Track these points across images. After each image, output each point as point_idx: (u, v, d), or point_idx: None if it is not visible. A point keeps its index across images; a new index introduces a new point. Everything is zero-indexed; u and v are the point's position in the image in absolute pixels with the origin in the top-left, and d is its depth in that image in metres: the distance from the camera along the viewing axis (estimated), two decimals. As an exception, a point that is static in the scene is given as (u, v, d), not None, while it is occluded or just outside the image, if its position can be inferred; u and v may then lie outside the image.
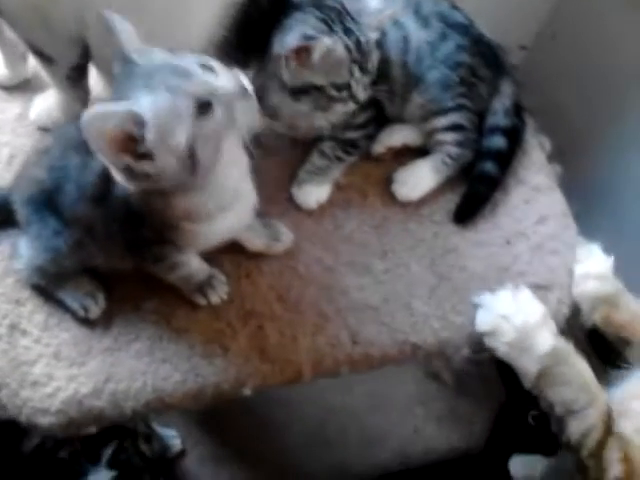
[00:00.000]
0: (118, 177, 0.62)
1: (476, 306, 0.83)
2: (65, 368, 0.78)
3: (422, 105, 0.91)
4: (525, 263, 0.87)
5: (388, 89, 0.89)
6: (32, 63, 0.98)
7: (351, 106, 0.84)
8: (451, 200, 0.91)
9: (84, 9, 0.77)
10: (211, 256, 0.81)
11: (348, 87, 0.81)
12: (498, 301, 0.81)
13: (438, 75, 0.89)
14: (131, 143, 0.58)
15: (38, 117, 0.94)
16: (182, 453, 1.27)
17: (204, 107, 0.59)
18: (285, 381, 0.79)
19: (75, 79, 0.89)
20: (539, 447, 1.15)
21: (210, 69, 0.62)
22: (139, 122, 0.57)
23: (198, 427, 1.31)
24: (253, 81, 0.86)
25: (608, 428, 0.72)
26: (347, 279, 0.85)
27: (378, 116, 0.92)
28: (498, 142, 0.91)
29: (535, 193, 0.93)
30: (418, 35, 0.89)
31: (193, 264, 0.78)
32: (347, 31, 0.80)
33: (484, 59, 0.92)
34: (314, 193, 0.90)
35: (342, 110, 0.85)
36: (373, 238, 0.88)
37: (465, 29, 0.91)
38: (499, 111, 0.92)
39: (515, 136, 0.93)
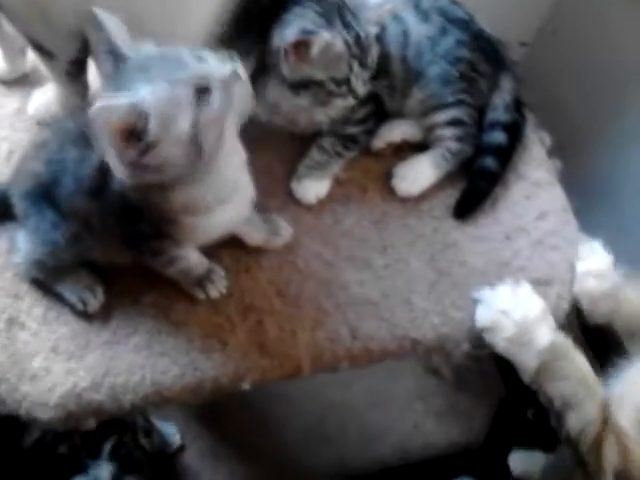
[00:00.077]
0: (122, 172, 0.61)
1: (476, 301, 0.83)
2: (64, 362, 0.78)
3: (422, 100, 0.90)
4: (525, 258, 0.87)
5: (388, 84, 0.89)
6: (31, 57, 0.97)
7: (350, 101, 0.84)
8: (451, 195, 0.91)
9: (83, 3, 0.77)
10: (210, 250, 0.80)
11: (347, 82, 0.81)
12: (498, 296, 0.81)
13: (438, 70, 0.88)
14: (135, 135, 0.58)
15: (37, 111, 0.93)
16: (181, 448, 1.27)
17: (203, 93, 0.60)
18: (284, 376, 0.79)
19: (74, 74, 0.89)
20: (538, 442, 1.15)
21: (200, 57, 0.62)
22: (141, 114, 0.57)
23: (197, 422, 1.31)
24: (253, 76, 0.87)
25: (606, 422, 0.72)
26: (346, 274, 0.85)
27: (378, 111, 0.92)
28: (498, 137, 0.91)
29: (535, 188, 0.93)
30: (418, 30, 0.89)
31: (192, 258, 0.77)
32: (346, 26, 0.80)
33: (484, 54, 0.92)
34: (313, 188, 0.90)
35: (341, 105, 0.85)
36: (373, 233, 0.88)
37: (465, 24, 0.91)
38: (499, 106, 0.92)
39: (515, 131, 0.93)
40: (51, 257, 0.77)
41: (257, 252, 0.85)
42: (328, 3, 0.81)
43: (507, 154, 0.92)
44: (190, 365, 0.78)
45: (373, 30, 0.82)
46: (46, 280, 0.81)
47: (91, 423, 1.06)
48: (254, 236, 0.84)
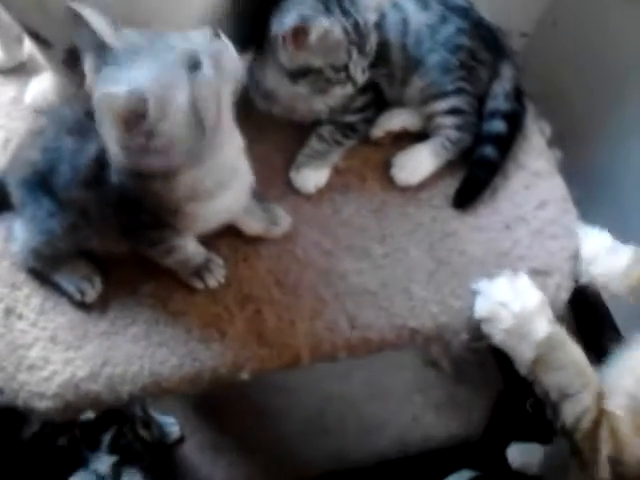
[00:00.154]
0: (130, 161, 0.61)
1: (475, 292, 0.82)
2: (62, 352, 0.78)
3: (422, 89, 0.90)
4: (525, 248, 0.87)
5: (387, 72, 0.89)
6: (28, 46, 0.97)
7: (349, 89, 0.84)
8: (450, 185, 0.90)
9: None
10: (208, 240, 0.80)
11: (346, 69, 0.81)
12: (496, 288, 0.81)
13: (438, 58, 0.88)
14: (138, 120, 0.58)
15: (33, 100, 0.93)
16: (180, 440, 1.27)
17: (194, 67, 0.60)
18: (283, 365, 0.79)
19: (71, 62, 0.88)
20: (537, 434, 1.15)
21: (185, 37, 0.62)
22: (141, 98, 0.57)
23: (196, 414, 1.31)
24: (252, 65, 0.86)
25: (601, 410, 0.72)
26: (345, 263, 0.84)
27: (377, 100, 0.92)
28: (498, 126, 0.90)
29: (535, 178, 0.92)
30: (418, 18, 0.88)
31: (190, 248, 0.77)
32: (345, 12, 0.79)
33: (484, 42, 0.91)
34: (312, 177, 0.89)
35: (340, 93, 0.84)
36: (372, 222, 0.88)
37: (465, 12, 0.91)
38: (499, 95, 0.92)
39: (515, 120, 0.92)
40: (48, 246, 0.76)
41: (256, 241, 0.85)
42: (326, -9, 0.81)
43: (507, 143, 0.91)
44: (188, 355, 0.78)
45: (372, 17, 0.82)
46: (43, 270, 0.81)
47: (89, 414, 1.07)
48: (253, 225, 0.83)
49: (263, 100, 0.90)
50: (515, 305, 0.78)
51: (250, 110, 0.90)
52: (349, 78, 0.82)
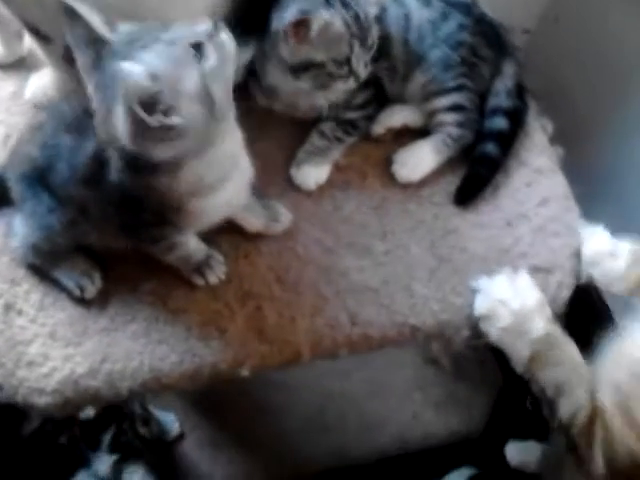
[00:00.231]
0: (149, 147, 0.61)
1: (475, 289, 0.82)
2: (61, 348, 0.78)
3: (423, 85, 0.90)
4: (526, 245, 0.87)
5: (389, 67, 0.88)
6: (27, 41, 0.96)
7: (352, 83, 0.83)
8: (452, 182, 0.90)
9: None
10: (209, 237, 0.80)
11: (348, 63, 0.80)
12: (495, 285, 0.80)
13: (439, 54, 0.88)
14: (156, 101, 0.58)
15: (33, 95, 0.93)
16: (180, 437, 1.27)
17: (197, 48, 0.60)
18: (283, 362, 0.79)
19: (71, 58, 0.87)
20: (536, 432, 1.15)
21: (178, 25, 0.62)
22: (157, 78, 0.57)
23: (196, 412, 1.31)
24: (253, 61, 0.86)
25: (594, 405, 0.72)
26: (346, 260, 0.84)
27: (378, 96, 0.91)
28: (500, 123, 0.90)
29: (537, 175, 0.92)
30: (420, 13, 0.88)
31: (191, 244, 0.77)
32: (345, 5, 0.79)
33: (486, 39, 0.91)
34: (313, 174, 0.89)
35: (343, 88, 0.84)
36: (373, 219, 0.87)
37: (467, 8, 0.91)
38: (501, 92, 0.91)
39: (517, 117, 0.92)
40: (47, 241, 0.76)
41: (256, 238, 0.84)
42: (326, -16, 0.80)
43: (508, 140, 0.91)
44: (189, 352, 0.78)
45: (373, 10, 0.81)
46: (43, 265, 0.80)
47: (89, 410, 1.06)
48: (253, 222, 0.83)
49: (264, 96, 0.89)
50: (514, 303, 0.78)
51: (251, 106, 0.90)
52: (351, 72, 0.82)
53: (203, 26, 0.62)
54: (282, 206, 0.85)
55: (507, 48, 0.93)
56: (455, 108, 0.89)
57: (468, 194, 0.89)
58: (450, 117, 0.89)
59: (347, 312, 0.81)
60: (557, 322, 0.79)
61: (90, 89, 0.63)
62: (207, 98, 0.60)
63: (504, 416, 1.30)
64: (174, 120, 0.59)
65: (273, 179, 0.89)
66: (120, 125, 0.59)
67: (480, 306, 0.80)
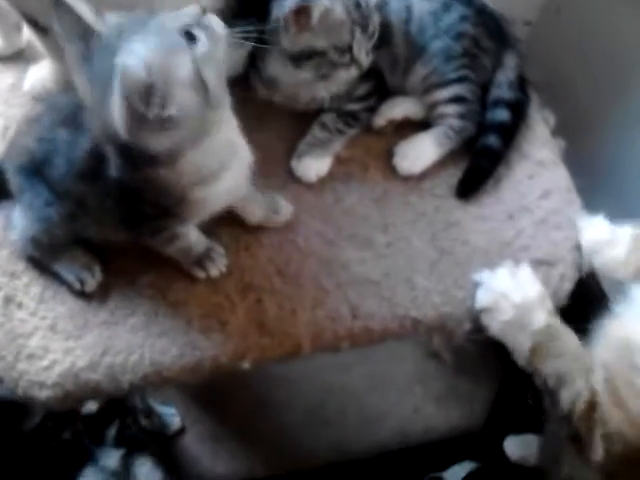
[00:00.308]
0: (148, 138, 0.60)
1: (476, 283, 0.82)
2: (61, 341, 0.78)
3: (424, 77, 0.89)
4: (528, 238, 0.86)
5: (390, 58, 0.88)
6: (26, 33, 0.96)
7: (354, 72, 0.83)
8: (453, 174, 0.90)
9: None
10: (210, 229, 0.80)
11: (350, 50, 0.80)
12: (497, 279, 0.80)
13: (441, 45, 0.87)
14: (151, 91, 0.57)
15: (32, 87, 0.92)
16: (181, 431, 1.26)
17: (191, 39, 0.60)
18: (284, 354, 0.78)
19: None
20: (538, 426, 1.15)
21: (172, 14, 0.62)
22: (148, 71, 0.56)
23: (197, 406, 1.31)
24: (253, 53, 0.86)
25: (592, 390, 0.72)
26: (347, 253, 0.84)
27: (379, 88, 0.91)
28: (502, 115, 0.90)
29: (539, 168, 0.92)
30: (421, 5, 0.88)
31: (192, 236, 0.77)
32: None
33: (487, 30, 0.90)
34: (314, 166, 0.88)
35: (345, 77, 0.83)
36: (374, 212, 0.87)
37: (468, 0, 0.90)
38: (503, 84, 0.91)
39: (519, 110, 0.92)
40: (46, 234, 0.76)
41: (257, 230, 0.84)
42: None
43: (510, 132, 0.91)
44: (189, 345, 0.78)
45: (373, -2, 0.81)
46: (43, 258, 0.80)
47: (91, 405, 1.06)
48: (255, 213, 0.83)
49: (265, 88, 0.89)
50: (516, 296, 0.78)
51: (251, 98, 0.89)
52: (353, 60, 0.81)
53: (191, 10, 0.61)
54: (282, 198, 0.85)
55: (509, 39, 0.93)
56: (456, 100, 0.89)
57: (470, 186, 0.89)
58: (451, 109, 0.89)
59: (348, 305, 0.81)
60: (557, 313, 0.79)
61: (78, 81, 0.63)
62: (201, 84, 0.60)
63: (504, 410, 1.30)
64: (170, 110, 0.58)
65: (274, 171, 0.88)
66: (115, 116, 0.59)
67: (482, 299, 0.80)
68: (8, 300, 0.79)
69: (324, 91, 0.85)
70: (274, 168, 0.88)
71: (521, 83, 0.92)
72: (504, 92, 0.91)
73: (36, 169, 0.73)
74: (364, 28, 0.80)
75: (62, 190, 0.72)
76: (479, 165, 0.89)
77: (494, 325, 0.78)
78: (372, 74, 0.87)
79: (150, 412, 1.18)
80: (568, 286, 0.84)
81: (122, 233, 0.75)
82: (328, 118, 0.89)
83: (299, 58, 0.80)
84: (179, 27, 0.59)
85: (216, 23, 0.62)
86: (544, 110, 0.97)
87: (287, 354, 0.78)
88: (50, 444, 1.08)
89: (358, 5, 0.78)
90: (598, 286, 1.05)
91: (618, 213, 0.85)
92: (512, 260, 0.82)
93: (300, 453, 1.28)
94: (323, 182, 0.88)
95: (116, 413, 1.13)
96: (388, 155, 0.90)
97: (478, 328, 0.81)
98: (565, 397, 0.73)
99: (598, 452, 0.70)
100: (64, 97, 0.74)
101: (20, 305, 0.79)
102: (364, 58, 0.82)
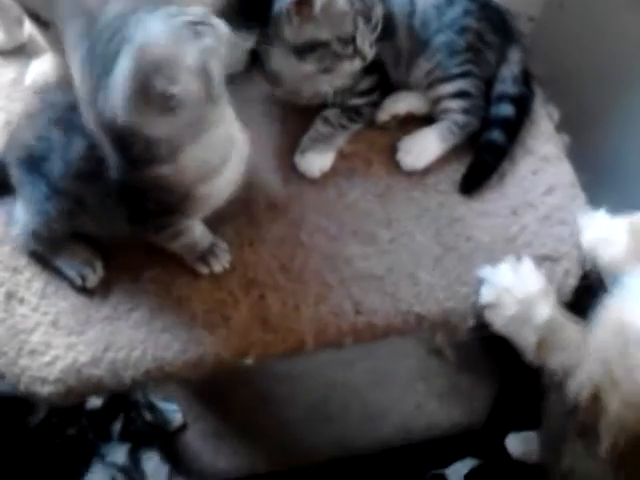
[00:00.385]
0: (141, 120, 0.60)
1: (480, 279, 0.81)
2: (64, 336, 0.77)
3: (428, 71, 0.89)
4: (532, 234, 0.86)
5: (393, 51, 0.87)
6: (28, 27, 0.96)
7: (358, 64, 0.82)
8: (457, 169, 0.89)
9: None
10: (213, 224, 0.79)
11: (353, 41, 0.79)
12: (499, 274, 0.80)
13: (445, 39, 0.87)
14: (159, 71, 0.57)
15: (34, 82, 0.92)
16: (183, 427, 1.26)
17: (197, 33, 0.59)
18: (287, 350, 0.78)
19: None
20: (537, 423, 1.14)
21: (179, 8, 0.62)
22: (161, 48, 0.57)
23: (199, 402, 1.31)
24: (256, 47, 0.85)
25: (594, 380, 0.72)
26: (351, 248, 0.84)
27: (383, 83, 0.90)
28: (506, 110, 0.89)
29: (543, 163, 0.91)
30: (425, -1, 0.87)
31: (197, 231, 0.76)
32: None
33: (491, 24, 0.90)
34: (317, 161, 0.88)
35: (349, 69, 0.83)
36: (377, 207, 0.87)
37: (472, -7, 0.89)
38: (507, 79, 0.90)
39: (523, 105, 0.91)
40: (45, 227, 0.76)
41: (260, 226, 0.84)
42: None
43: (515, 127, 0.90)
44: (192, 340, 0.78)
45: (375, -11, 0.80)
46: (44, 253, 0.80)
47: (96, 402, 1.06)
48: None
49: (268, 83, 0.88)
50: (518, 291, 0.77)
51: (254, 93, 0.89)
52: (357, 52, 0.81)
53: (197, 9, 0.61)
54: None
55: (513, 34, 0.92)
56: (460, 95, 0.88)
57: (474, 182, 0.88)
58: (455, 104, 0.88)
59: (351, 300, 0.80)
60: (562, 306, 0.78)
61: (73, 64, 0.62)
62: (205, 76, 0.60)
63: (506, 407, 1.30)
64: (175, 89, 0.58)
65: (277, 167, 0.88)
66: (117, 96, 0.58)
67: (485, 295, 0.80)
68: (10, 296, 0.79)
69: (327, 85, 0.85)
70: (278, 163, 0.88)
71: (525, 78, 0.92)
72: (508, 87, 0.90)
73: (35, 164, 0.73)
74: (367, 19, 0.79)
75: (60, 188, 0.72)
76: (483, 160, 0.89)
77: (498, 321, 0.78)
78: (375, 68, 0.87)
79: (153, 407, 1.18)
80: (572, 282, 0.84)
81: (124, 230, 0.74)
82: (331, 113, 0.89)
83: (302, 50, 0.80)
84: (188, 19, 0.59)
85: (220, 24, 0.62)
86: (548, 105, 0.97)
87: (290, 350, 0.78)
88: (55, 440, 1.08)
89: None
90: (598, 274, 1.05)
91: (622, 208, 0.85)
92: (515, 256, 0.82)
93: (302, 449, 1.28)
94: (326, 177, 0.88)
95: (120, 408, 1.13)
96: (391, 150, 0.90)
97: (483, 324, 0.81)
98: (571, 389, 0.73)
99: (606, 444, 0.70)
100: (60, 95, 0.73)
101: (22, 300, 0.79)
102: (368, 50, 0.81)
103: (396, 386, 1.35)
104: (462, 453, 1.25)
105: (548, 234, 0.86)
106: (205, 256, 0.79)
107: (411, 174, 0.89)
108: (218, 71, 0.61)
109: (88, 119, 0.64)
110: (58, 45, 0.86)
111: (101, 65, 0.59)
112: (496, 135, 0.88)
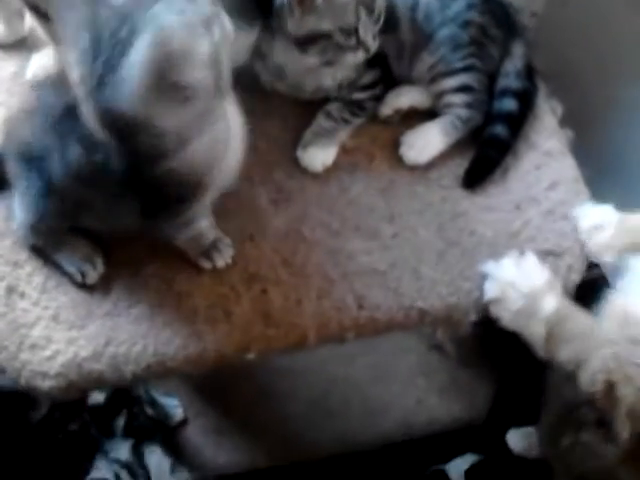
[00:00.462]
0: (151, 108, 0.59)
1: (483, 274, 0.81)
2: (64, 331, 0.77)
3: (431, 66, 0.88)
4: (535, 229, 0.86)
5: (396, 43, 0.87)
6: (29, 21, 0.95)
7: (361, 56, 0.82)
8: (460, 164, 0.89)
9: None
10: (215, 218, 0.79)
11: (356, 32, 0.79)
12: (502, 269, 0.80)
13: (448, 33, 0.86)
14: (171, 58, 0.57)
15: (35, 76, 0.91)
16: (184, 422, 1.26)
17: (207, 25, 0.59)
18: (290, 345, 0.78)
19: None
20: (538, 418, 1.14)
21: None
22: (178, 37, 0.56)
23: (200, 398, 1.30)
24: (259, 41, 0.85)
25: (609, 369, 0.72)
26: (353, 243, 0.83)
27: (385, 77, 0.90)
28: (509, 104, 0.89)
29: (546, 158, 0.91)
30: (428, -8, 0.87)
31: (203, 223, 0.76)
32: None
33: (495, 18, 0.90)
34: (320, 156, 0.88)
35: (352, 61, 0.82)
36: (380, 202, 0.86)
37: (475, -13, 0.89)
38: (510, 73, 0.90)
39: (527, 99, 0.91)
40: (42, 222, 0.75)
41: (262, 221, 0.84)
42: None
43: (518, 122, 0.90)
44: (194, 335, 0.77)
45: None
46: (45, 248, 0.79)
47: (99, 397, 1.06)
48: None
49: (270, 77, 0.88)
50: (523, 285, 0.77)
51: (256, 87, 0.89)
52: (359, 43, 0.80)
53: (204, 4, 0.61)
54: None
55: (516, 28, 0.92)
56: (463, 89, 0.88)
57: (477, 177, 0.88)
58: (458, 98, 0.88)
59: (354, 295, 0.80)
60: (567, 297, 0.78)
61: (72, 57, 0.61)
62: (216, 67, 0.60)
63: (507, 403, 1.30)
64: (189, 78, 0.58)
65: (279, 161, 0.88)
66: (130, 87, 0.57)
67: (489, 291, 0.80)
68: (11, 290, 0.79)
69: (330, 79, 0.84)
70: (280, 158, 0.88)
71: (529, 72, 0.91)
72: (512, 81, 0.90)
73: (32, 161, 0.72)
74: (369, 10, 0.79)
75: (59, 188, 0.71)
76: (486, 155, 0.88)
77: (505, 316, 0.78)
78: (378, 62, 0.87)
79: (154, 402, 1.18)
80: (576, 277, 0.84)
81: (132, 224, 0.73)
82: (334, 107, 0.88)
83: (305, 42, 0.79)
84: (199, 12, 0.59)
85: (226, 21, 0.62)
86: (552, 100, 0.97)
87: (292, 345, 0.78)
88: (57, 435, 1.08)
89: None
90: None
91: (626, 203, 0.85)
92: (518, 250, 0.82)
93: (303, 444, 1.27)
94: (329, 172, 0.88)
95: (123, 404, 1.13)
96: (394, 145, 0.89)
97: (489, 319, 0.80)
98: (584, 379, 0.73)
99: (624, 434, 0.69)
100: (56, 97, 0.71)
101: (23, 295, 0.79)
102: (371, 41, 0.80)
103: (397, 381, 1.35)
104: (463, 448, 1.25)
105: (551, 229, 0.86)
106: (208, 251, 0.79)
107: (414, 169, 0.89)
108: (226, 65, 0.61)
109: (88, 116, 0.63)
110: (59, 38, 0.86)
111: (108, 56, 0.58)
112: (499, 130, 0.88)
